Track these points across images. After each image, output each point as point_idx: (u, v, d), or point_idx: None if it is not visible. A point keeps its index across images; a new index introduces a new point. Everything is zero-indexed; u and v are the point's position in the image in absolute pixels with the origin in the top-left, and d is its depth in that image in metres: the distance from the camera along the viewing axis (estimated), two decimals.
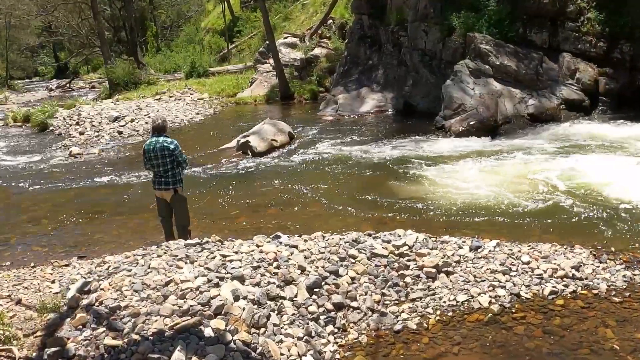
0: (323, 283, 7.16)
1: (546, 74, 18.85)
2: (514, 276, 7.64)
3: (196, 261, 7.38)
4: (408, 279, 7.58)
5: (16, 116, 27.85)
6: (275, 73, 30.45)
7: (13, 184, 15.65)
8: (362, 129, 20.47)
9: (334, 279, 7.29)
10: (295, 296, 6.86)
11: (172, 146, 9.00)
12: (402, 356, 6.25)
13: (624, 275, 7.71)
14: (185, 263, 7.30)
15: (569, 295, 7.27)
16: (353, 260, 7.77)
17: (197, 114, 26.54)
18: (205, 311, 6.21)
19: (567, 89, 18.58)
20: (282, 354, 6.00)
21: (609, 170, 12.65)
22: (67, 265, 8.63)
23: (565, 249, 8.50)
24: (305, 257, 7.70)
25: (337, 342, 6.41)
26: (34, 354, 5.92)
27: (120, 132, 22.63)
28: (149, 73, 39.56)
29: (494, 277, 7.59)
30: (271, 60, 30.91)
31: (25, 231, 11.62)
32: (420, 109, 21.94)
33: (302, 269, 7.35)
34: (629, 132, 16.24)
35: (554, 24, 19.58)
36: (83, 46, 52.34)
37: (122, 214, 12.27)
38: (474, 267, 7.87)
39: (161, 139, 9.02)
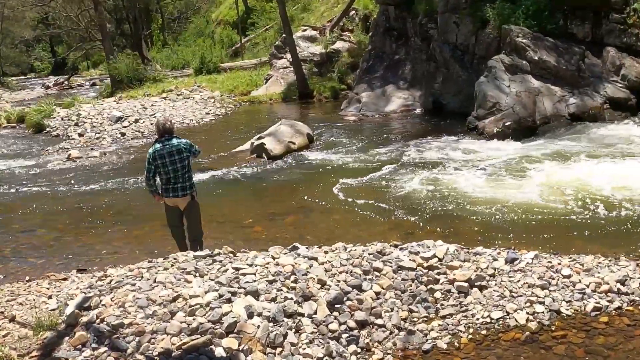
0: (345, 298, 7.15)
1: (589, 70, 18.74)
2: (554, 291, 7.59)
3: (206, 275, 7.41)
4: (438, 294, 7.57)
5: (10, 116, 28.08)
6: (292, 69, 30.54)
7: (6, 190, 15.79)
8: (388, 130, 20.51)
9: (357, 294, 7.28)
10: (315, 313, 6.85)
11: (187, 146, 9.09)
12: None
13: None
14: (195, 277, 7.34)
15: (614, 311, 7.22)
16: (378, 274, 7.76)
17: (208, 113, 26.65)
18: (216, 329, 6.25)
19: (611, 86, 18.45)
20: None
21: None
22: (65, 279, 8.67)
23: (610, 261, 8.43)
24: (326, 270, 7.69)
25: None
26: None
27: (123, 134, 22.78)
28: (155, 69, 39.93)
29: (532, 292, 7.55)
30: (288, 56, 31.02)
31: (20, 242, 11.68)
32: (451, 108, 21.98)
33: (322, 283, 7.35)
34: None
35: (597, 15, 19.47)
36: (83, 40, 52.91)
37: (126, 223, 12.33)
38: (509, 281, 7.83)
39: (175, 141, 9.02)
